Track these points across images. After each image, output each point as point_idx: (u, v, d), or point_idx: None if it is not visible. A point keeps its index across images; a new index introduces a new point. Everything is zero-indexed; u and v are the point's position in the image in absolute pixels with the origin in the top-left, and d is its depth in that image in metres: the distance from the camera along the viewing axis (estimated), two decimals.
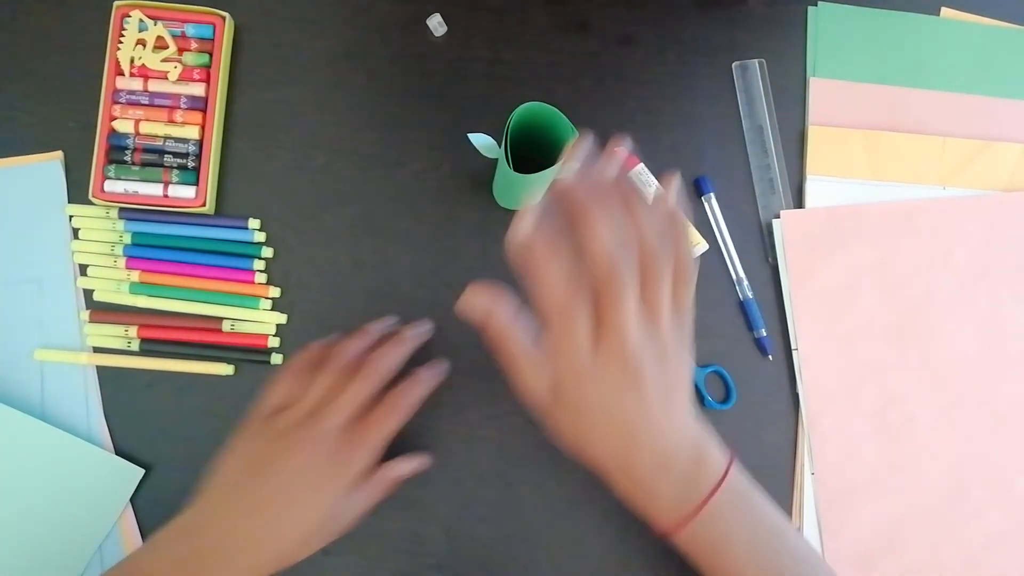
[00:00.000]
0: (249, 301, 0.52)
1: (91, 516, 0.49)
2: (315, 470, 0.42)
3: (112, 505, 0.49)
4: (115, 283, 0.51)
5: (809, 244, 0.54)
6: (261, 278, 0.52)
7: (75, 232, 0.52)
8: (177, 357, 0.51)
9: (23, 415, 0.49)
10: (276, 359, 0.51)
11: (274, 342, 0.52)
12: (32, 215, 0.52)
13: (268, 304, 0.52)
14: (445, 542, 0.51)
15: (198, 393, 0.51)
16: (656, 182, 0.54)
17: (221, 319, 0.52)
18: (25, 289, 0.51)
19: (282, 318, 0.52)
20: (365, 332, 0.48)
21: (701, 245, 0.54)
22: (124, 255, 0.52)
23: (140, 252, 0.52)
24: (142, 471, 0.50)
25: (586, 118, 0.55)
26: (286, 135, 0.54)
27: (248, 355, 0.51)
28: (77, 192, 0.52)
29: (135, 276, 0.51)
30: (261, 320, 0.52)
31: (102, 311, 0.51)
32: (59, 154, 0.53)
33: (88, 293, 0.52)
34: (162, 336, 0.51)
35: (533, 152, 0.51)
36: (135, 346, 0.51)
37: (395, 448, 0.51)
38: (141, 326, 0.51)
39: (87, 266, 0.52)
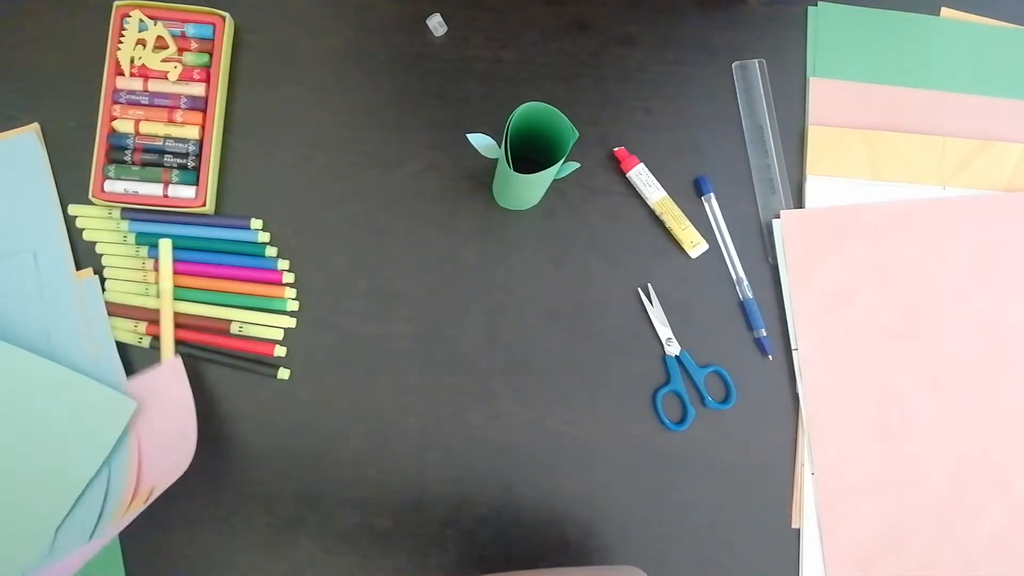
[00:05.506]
0: (263, 302, 0.52)
1: (82, 448, 0.47)
2: None
3: (104, 437, 0.48)
4: (143, 286, 0.51)
5: (809, 244, 0.54)
6: (289, 277, 0.52)
7: (78, 233, 0.52)
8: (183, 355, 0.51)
9: (10, 346, 0.48)
10: (283, 374, 0.51)
11: (281, 351, 0.51)
12: (17, 188, 0.52)
13: (295, 305, 0.52)
14: (445, 541, 0.51)
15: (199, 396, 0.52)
16: (656, 182, 0.54)
17: (229, 321, 0.52)
18: (20, 260, 0.51)
19: (291, 322, 0.52)
20: None
21: (701, 245, 0.54)
22: (148, 256, 0.52)
23: (152, 253, 0.52)
24: (134, 404, 0.48)
25: (586, 118, 0.56)
26: (286, 135, 0.54)
27: (253, 365, 0.51)
28: (77, 192, 0.52)
29: (151, 277, 0.51)
30: (272, 324, 0.51)
31: (116, 304, 0.51)
32: (35, 126, 0.53)
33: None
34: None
35: (533, 152, 0.51)
36: (145, 342, 0.51)
37: (393, 448, 0.51)
38: (150, 323, 0.51)
39: (104, 268, 0.52)
